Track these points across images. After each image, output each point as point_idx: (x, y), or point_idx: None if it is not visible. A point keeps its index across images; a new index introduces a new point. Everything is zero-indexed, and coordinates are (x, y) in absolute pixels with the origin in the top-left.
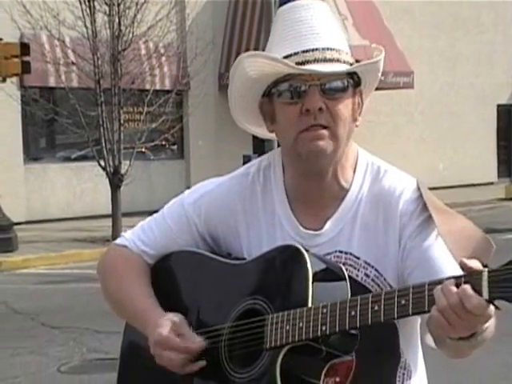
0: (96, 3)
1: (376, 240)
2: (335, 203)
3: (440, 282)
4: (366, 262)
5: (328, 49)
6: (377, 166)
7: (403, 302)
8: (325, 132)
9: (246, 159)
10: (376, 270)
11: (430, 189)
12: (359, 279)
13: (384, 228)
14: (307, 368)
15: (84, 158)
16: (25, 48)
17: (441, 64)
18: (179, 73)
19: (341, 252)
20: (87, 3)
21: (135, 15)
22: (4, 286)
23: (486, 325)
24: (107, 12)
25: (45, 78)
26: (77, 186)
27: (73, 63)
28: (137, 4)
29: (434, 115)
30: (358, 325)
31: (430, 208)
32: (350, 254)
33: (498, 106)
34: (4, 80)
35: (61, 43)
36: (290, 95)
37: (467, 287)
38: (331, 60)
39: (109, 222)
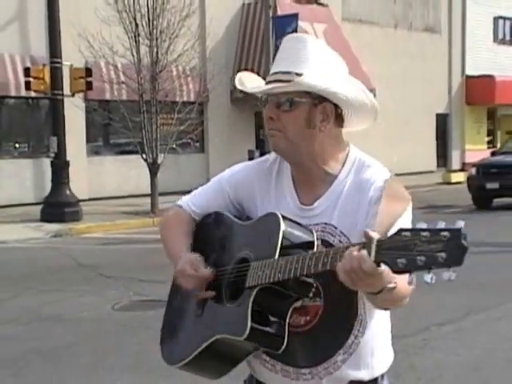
0: (140, 38)
1: (351, 217)
2: (325, 186)
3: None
4: (341, 232)
5: (285, 72)
6: (362, 161)
7: (325, 260)
8: (278, 133)
9: (250, 153)
10: (348, 238)
11: None
12: (334, 244)
13: (357, 209)
14: (274, 306)
15: (130, 152)
16: (88, 71)
17: (395, 84)
18: (201, 89)
19: (325, 224)
20: (133, 38)
21: (168, 46)
22: (73, 246)
23: (392, 285)
24: (148, 44)
25: (102, 93)
26: (125, 172)
27: (122, 82)
28: (170, 38)
29: (390, 121)
30: (299, 274)
31: (384, 194)
32: (331, 225)
33: (437, 114)
34: (73, 95)
35: (114, 68)
36: (262, 105)
37: (364, 252)
38: (284, 81)
39: (148, 200)
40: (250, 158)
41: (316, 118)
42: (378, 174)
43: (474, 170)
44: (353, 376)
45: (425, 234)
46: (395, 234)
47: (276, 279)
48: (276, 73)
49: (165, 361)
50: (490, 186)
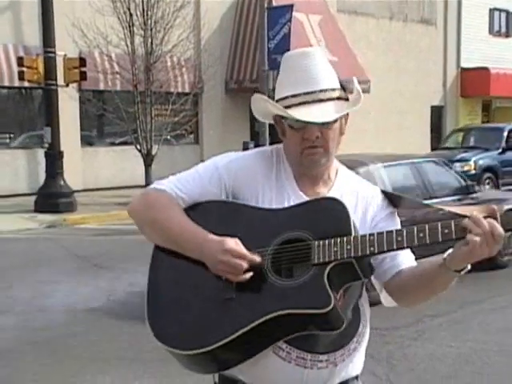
0: (134, 28)
1: (357, 215)
2: (326, 188)
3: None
4: None
5: (322, 90)
6: (349, 173)
7: (446, 231)
8: (320, 149)
9: (245, 145)
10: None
11: None
12: None
13: (361, 211)
14: (339, 281)
15: (125, 143)
16: (82, 61)
17: (390, 75)
18: (195, 80)
19: None
20: (128, 28)
21: (163, 37)
22: (67, 236)
23: (468, 268)
24: (142, 35)
25: (96, 84)
26: (119, 163)
27: (117, 73)
28: (164, 29)
29: (385, 113)
30: (404, 245)
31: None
32: None
33: (432, 106)
34: (67, 85)
35: (108, 58)
36: (294, 127)
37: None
38: (325, 100)
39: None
40: (245, 150)
41: (343, 123)
42: (371, 186)
43: None
44: (358, 366)
45: None
46: None
47: (366, 253)
48: (310, 93)
49: (175, 348)
50: None
